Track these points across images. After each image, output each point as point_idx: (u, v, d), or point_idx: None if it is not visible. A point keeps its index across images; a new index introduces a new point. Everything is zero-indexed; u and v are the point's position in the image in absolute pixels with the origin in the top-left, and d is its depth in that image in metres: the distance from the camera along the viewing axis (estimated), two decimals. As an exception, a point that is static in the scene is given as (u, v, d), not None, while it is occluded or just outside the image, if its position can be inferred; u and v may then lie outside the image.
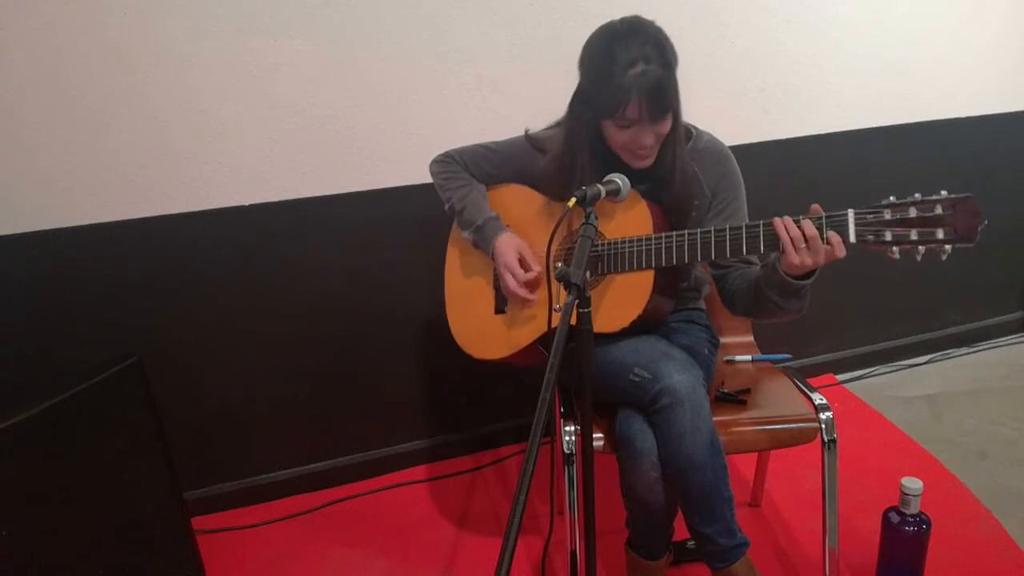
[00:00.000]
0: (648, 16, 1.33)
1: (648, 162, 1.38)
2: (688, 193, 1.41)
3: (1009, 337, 2.78)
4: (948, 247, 1.10)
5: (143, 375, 1.57)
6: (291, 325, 2.01)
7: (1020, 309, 2.82)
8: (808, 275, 1.25)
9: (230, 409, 2.03)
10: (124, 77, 1.70)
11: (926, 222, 1.10)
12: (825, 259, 1.19)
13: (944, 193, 1.10)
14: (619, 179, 1.31)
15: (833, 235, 1.17)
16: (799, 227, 1.19)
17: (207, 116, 1.78)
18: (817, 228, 1.18)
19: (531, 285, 1.50)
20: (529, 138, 1.55)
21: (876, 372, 2.61)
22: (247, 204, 1.88)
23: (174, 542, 1.66)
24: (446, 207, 1.60)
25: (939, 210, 1.09)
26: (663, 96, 1.27)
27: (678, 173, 1.39)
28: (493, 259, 1.53)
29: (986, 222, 1.07)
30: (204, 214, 1.85)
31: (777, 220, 1.21)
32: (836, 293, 2.53)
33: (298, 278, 1.98)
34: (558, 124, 1.51)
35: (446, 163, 1.62)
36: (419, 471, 2.22)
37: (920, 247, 1.11)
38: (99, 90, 1.70)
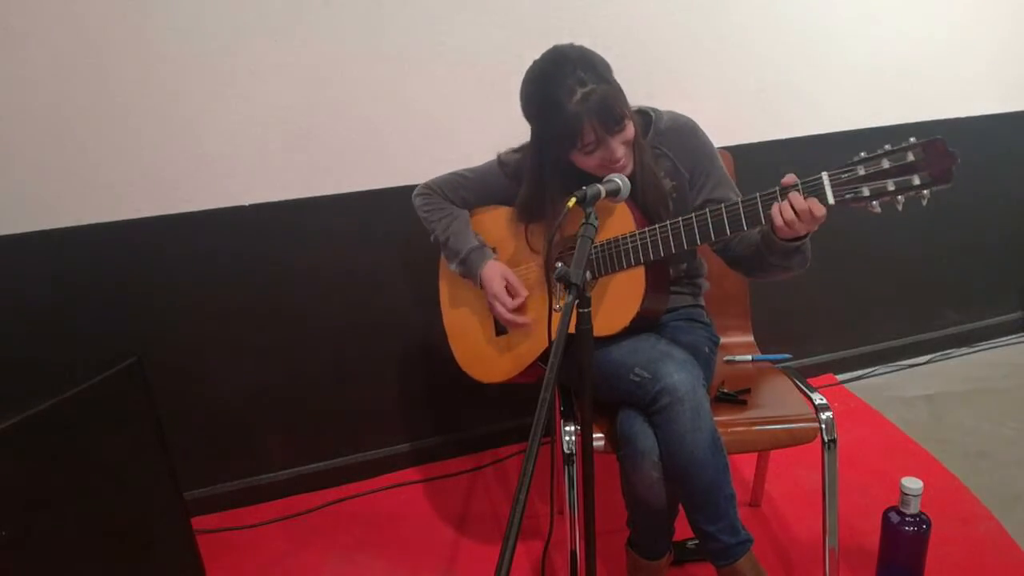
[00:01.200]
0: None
1: (628, 170, 1.38)
2: (659, 189, 1.42)
3: (1009, 337, 2.78)
4: (926, 192, 1.09)
5: (143, 375, 1.56)
6: (291, 325, 2.01)
7: (1020, 309, 2.82)
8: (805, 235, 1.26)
9: (230, 409, 2.03)
10: (124, 77, 1.70)
11: (901, 171, 1.10)
12: (816, 223, 1.21)
13: (913, 139, 1.10)
14: (619, 179, 1.31)
15: (815, 203, 1.18)
16: (791, 205, 1.19)
17: (207, 116, 1.78)
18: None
19: (521, 310, 1.52)
20: (501, 163, 1.57)
21: (876, 372, 2.61)
22: (247, 204, 1.88)
23: (174, 542, 1.66)
24: (431, 238, 1.62)
25: (911, 157, 1.09)
26: (612, 108, 1.29)
27: (640, 174, 1.39)
28: (482, 289, 1.55)
29: (959, 161, 1.06)
30: (204, 214, 1.85)
31: (774, 206, 1.21)
32: (835, 293, 2.53)
33: (298, 278, 1.98)
34: (522, 148, 1.52)
35: (427, 195, 1.64)
36: (419, 471, 2.22)
37: (899, 196, 1.11)
38: (99, 90, 1.69)
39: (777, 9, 2.14)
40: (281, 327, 2.01)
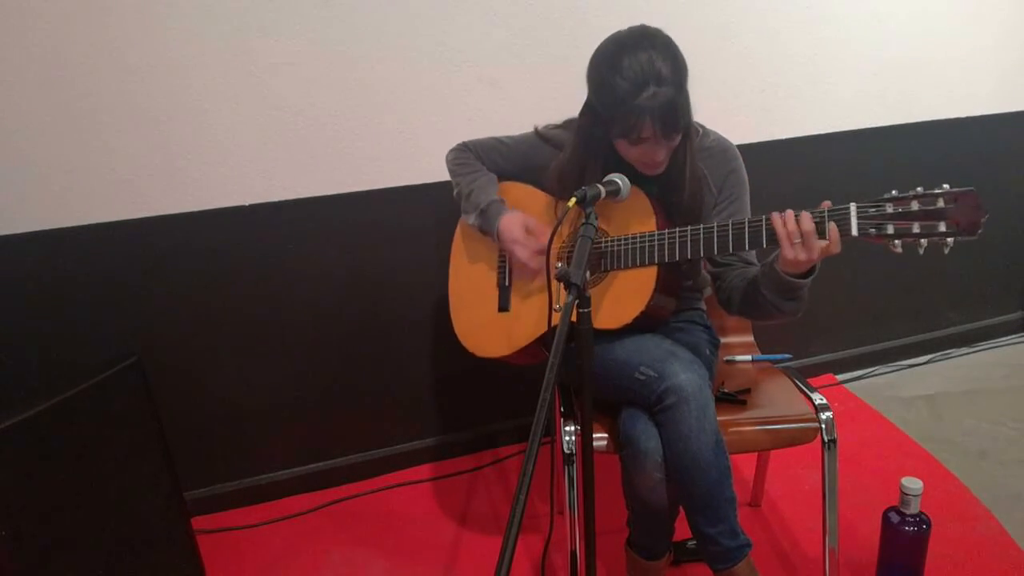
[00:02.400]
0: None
1: (661, 170, 1.38)
2: (699, 194, 1.42)
3: (1009, 337, 2.78)
4: (950, 240, 1.09)
5: (143, 375, 1.57)
6: (291, 325, 2.01)
7: (1020, 309, 2.82)
8: (807, 275, 1.25)
9: (230, 409, 2.03)
10: (124, 77, 1.70)
11: (928, 215, 1.10)
12: (820, 255, 1.19)
13: (946, 187, 1.10)
14: (619, 179, 1.31)
15: (832, 228, 1.17)
16: (796, 221, 1.19)
17: (207, 116, 1.78)
18: (818, 221, 1.18)
19: (543, 254, 1.49)
20: (539, 134, 1.56)
21: (876, 372, 2.61)
22: (247, 204, 1.88)
23: (174, 542, 1.66)
24: (455, 192, 1.60)
25: (941, 203, 1.09)
26: (676, 116, 1.27)
27: (689, 175, 1.39)
28: (499, 239, 1.53)
29: (987, 215, 1.06)
30: (204, 214, 1.85)
31: (775, 214, 1.21)
32: (836, 293, 2.53)
33: (297, 278, 1.98)
34: (566, 124, 1.51)
35: (461, 151, 1.63)
36: (419, 471, 2.22)
37: (922, 240, 1.11)
38: (99, 90, 1.70)
39: (777, 9, 2.14)
40: (281, 327, 2.01)
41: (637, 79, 1.23)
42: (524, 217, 1.52)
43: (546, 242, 1.46)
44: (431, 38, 1.87)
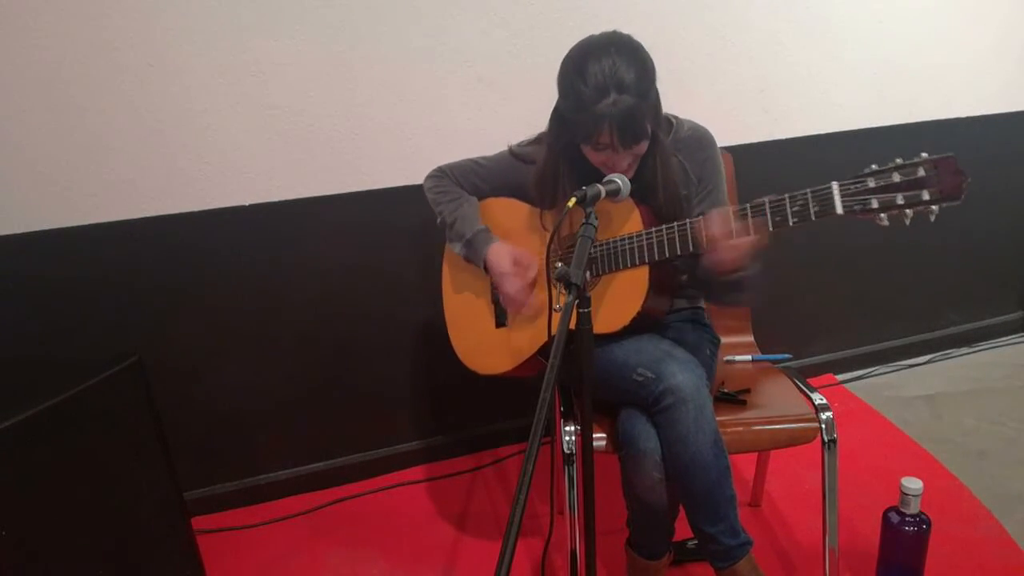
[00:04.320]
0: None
1: (629, 176, 1.38)
2: (675, 196, 1.42)
3: (1009, 337, 2.78)
4: (935, 207, 1.10)
5: (143, 375, 1.56)
6: (291, 325, 2.02)
7: (1020, 309, 2.82)
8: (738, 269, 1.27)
9: (230, 409, 2.03)
10: (124, 77, 1.70)
11: (911, 185, 1.11)
12: (741, 253, 1.22)
13: (924, 155, 1.10)
14: (619, 179, 1.31)
15: (755, 222, 1.20)
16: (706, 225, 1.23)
17: (207, 116, 1.78)
18: (742, 216, 1.21)
19: (531, 287, 1.49)
20: (513, 153, 1.56)
21: (876, 372, 2.61)
22: (247, 204, 1.88)
23: (174, 542, 1.66)
24: (438, 220, 1.61)
25: (922, 172, 1.10)
26: (634, 125, 1.27)
27: (661, 179, 1.39)
28: (487, 271, 1.53)
29: (969, 179, 1.07)
30: (204, 214, 1.85)
31: (698, 222, 1.25)
32: (836, 293, 2.53)
33: (298, 278, 1.98)
34: (538, 138, 1.51)
35: (438, 178, 1.63)
36: (419, 471, 2.22)
37: (908, 211, 1.12)
38: (99, 90, 1.70)
39: (777, 9, 2.14)
40: (281, 327, 2.01)
41: (599, 85, 1.24)
42: (512, 249, 1.51)
43: (535, 275, 1.49)
44: (430, 38, 1.87)
